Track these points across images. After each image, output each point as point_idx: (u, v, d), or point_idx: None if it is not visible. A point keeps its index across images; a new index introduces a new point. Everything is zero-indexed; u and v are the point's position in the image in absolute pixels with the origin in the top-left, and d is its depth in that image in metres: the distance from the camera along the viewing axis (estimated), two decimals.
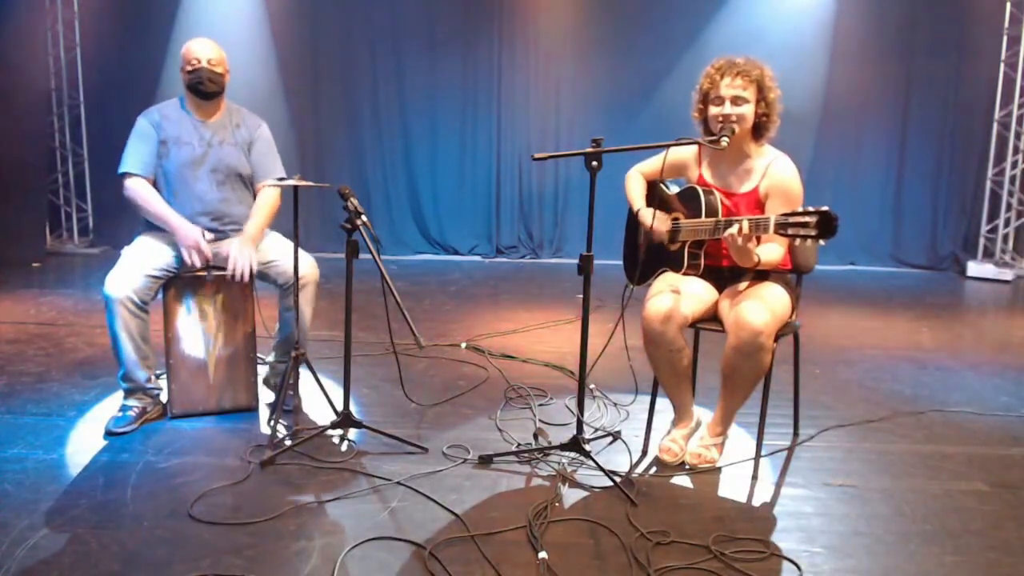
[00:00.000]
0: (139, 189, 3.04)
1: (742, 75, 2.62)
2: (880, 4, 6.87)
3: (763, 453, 2.73)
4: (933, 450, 2.93)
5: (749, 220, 2.43)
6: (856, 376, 3.83)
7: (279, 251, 3.13)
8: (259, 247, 3.11)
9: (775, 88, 2.67)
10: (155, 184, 3.09)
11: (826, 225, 2.23)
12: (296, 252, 2.93)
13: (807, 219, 2.26)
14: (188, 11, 6.90)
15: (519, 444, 2.86)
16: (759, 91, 2.64)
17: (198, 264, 2.99)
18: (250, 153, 3.18)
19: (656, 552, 2.16)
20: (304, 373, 3.18)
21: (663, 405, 2.91)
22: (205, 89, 3.06)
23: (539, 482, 2.59)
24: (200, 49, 3.06)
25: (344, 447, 2.85)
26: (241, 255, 2.97)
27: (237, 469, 2.63)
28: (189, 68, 3.05)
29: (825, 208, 2.24)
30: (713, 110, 2.65)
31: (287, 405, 3.08)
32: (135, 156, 3.05)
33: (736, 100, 2.61)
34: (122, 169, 3.05)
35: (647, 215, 2.77)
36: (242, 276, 2.97)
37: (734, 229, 2.42)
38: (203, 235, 3.02)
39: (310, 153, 7.31)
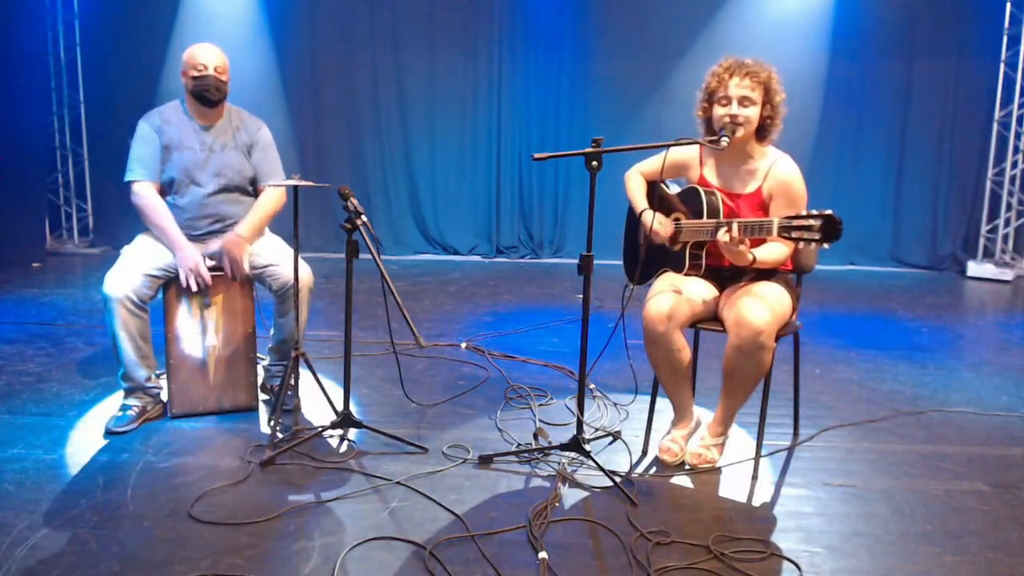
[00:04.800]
0: (147, 198, 3.03)
1: (751, 76, 2.61)
2: (880, 4, 6.87)
3: (763, 453, 2.73)
4: (933, 450, 2.93)
5: (740, 223, 2.44)
6: (856, 376, 3.83)
7: (276, 256, 3.13)
8: (257, 250, 3.12)
9: (781, 91, 2.67)
10: (160, 189, 3.08)
11: (830, 229, 2.23)
12: (296, 257, 2.92)
13: (811, 222, 2.25)
14: (188, 11, 6.90)
15: (519, 444, 2.86)
16: (766, 93, 2.63)
17: (194, 288, 2.98)
18: (250, 156, 3.18)
19: (656, 552, 2.16)
20: (304, 373, 3.18)
21: (663, 405, 2.91)
22: (211, 97, 3.05)
23: (539, 482, 2.59)
24: (206, 56, 3.04)
25: (344, 447, 2.85)
26: (232, 257, 3.02)
27: (237, 469, 2.63)
28: (195, 74, 3.03)
29: (829, 212, 2.24)
30: (719, 110, 2.64)
31: (287, 405, 3.08)
32: (140, 162, 3.04)
33: (743, 101, 2.61)
34: (128, 177, 3.05)
35: (649, 217, 2.77)
36: (239, 273, 3.04)
37: (724, 236, 2.43)
38: (204, 260, 3.01)
39: (310, 153, 7.31)
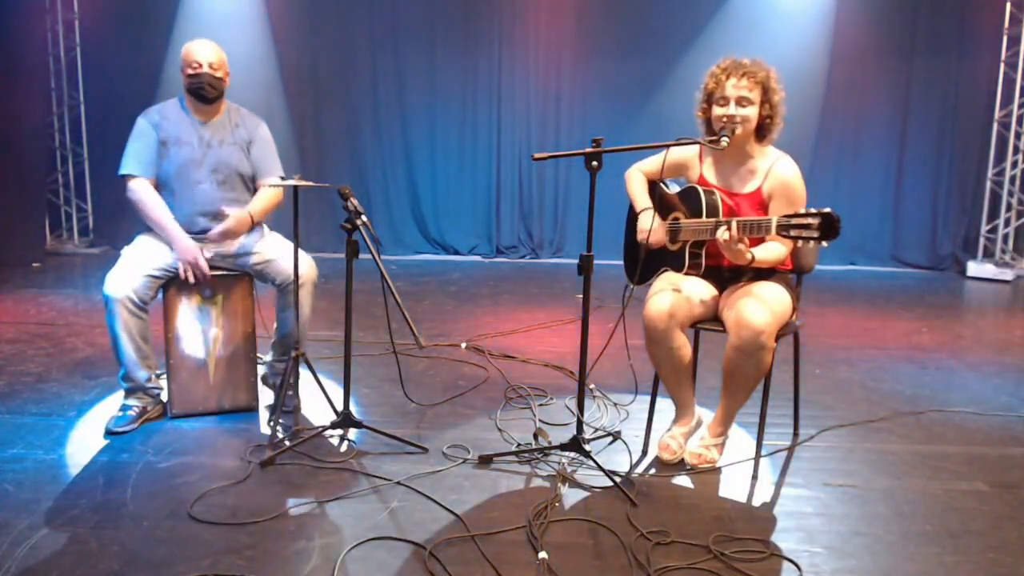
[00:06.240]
0: (142, 193, 3.03)
1: (748, 76, 2.61)
2: (880, 4, 6.88)
3: (763, 453, 2.73)
4: (933, 450, 2.93)
5: (738, 222, 2.44)
6: (856, 376, 3.83)
7: (278, 250, 3.14)
8: (258, 246, 3.12)
9: (780, 90, 2.67)
10: (156, 185, 3.08)
11: (829, 227, 2.23)
12: (296, 252, 2.93)
13: (809, 220, 2.25)
14: (188, 11, 6.90)
15: (519, 444, 2.86)
16: (764, 93, 2.63)
17: (192, 281, 2.99)
18: (249, 153, 3.18)
19: (656, 552, 2.16)
20: (304, 373, 3.18)
21: (663, 405, 2.91)
22: (206, 94, 3.05)
23: (539, 482, 2.59)
24: (202, 52, 3.04)
25: (344, 447, 2.85)
26: (230, 228, 3.04)
27: (237, 469, 2.63)
28: (190, 71, 3.03)
29: (827, 210, 2.24)
30: (717, 110, 2.65)
31: (287, 405, 3.08)
32: (135, 157, 3.04)
33: (741, 101, 2.61)
34: (123, 171, 3.04)
35: (648, 218, 2.77)
36: (225, 240, 3.06)
37: (723, 234, 2.43)
38: (202, 252, 3.01)
39: (310, 153, 7.31)
